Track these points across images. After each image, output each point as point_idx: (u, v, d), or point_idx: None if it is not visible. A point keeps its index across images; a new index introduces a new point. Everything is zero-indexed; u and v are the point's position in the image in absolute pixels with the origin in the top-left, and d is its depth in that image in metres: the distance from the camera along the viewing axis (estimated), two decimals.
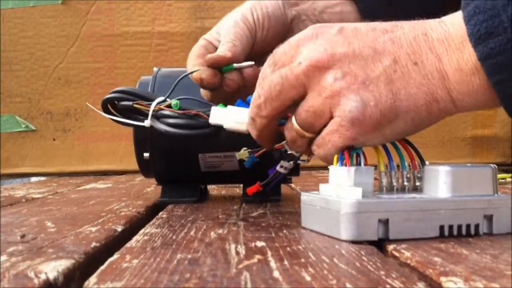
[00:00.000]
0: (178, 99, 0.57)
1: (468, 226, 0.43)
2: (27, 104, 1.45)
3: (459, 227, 0.42)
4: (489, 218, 0.43)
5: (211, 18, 1.45)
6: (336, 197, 0.43)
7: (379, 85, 0.43)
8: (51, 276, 0.31)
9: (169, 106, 0.56)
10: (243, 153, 0.55)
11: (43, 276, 0.31)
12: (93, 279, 0.31)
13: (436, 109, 0.43)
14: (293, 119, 0.46)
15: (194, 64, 0.57)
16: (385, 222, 0.41)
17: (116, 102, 0.58)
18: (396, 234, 0.41)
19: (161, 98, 0.57)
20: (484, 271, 0.31)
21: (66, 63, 1.44)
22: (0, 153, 1.44)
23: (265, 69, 0.48)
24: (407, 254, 0.36)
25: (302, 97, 0.45)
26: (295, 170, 0.71)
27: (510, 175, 1.04)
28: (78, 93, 1.44)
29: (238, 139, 0.56)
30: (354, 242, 0.41)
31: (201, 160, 0.67)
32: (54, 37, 1.44)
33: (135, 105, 0.57)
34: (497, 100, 0.42)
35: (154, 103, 0.57)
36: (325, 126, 0.45)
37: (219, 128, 0.55)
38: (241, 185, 0.75)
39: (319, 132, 0.46)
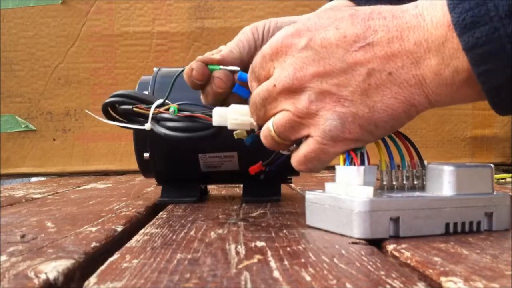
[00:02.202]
0: (178, 104, 0.57)
1: (470, 223, 0.44)
2: (27, 104, 1.45)
3: (463, 224, 0.44)
4: (489, 215, 0.45)
5: (211, 18, 1.45)
6: (347, 195, 0.44)
7: (355, 101, 0.43)
8: (51, 276, 0.31)
9: (168, 109, 0.56)
10: (240, 132, 0.53)
11: (43, 276, 0.31)
12: (93, 279, 0.31)
13: (415, 112, 0.43)
14: (271, 126, 0.47)
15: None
16: (396, 220, 0.42)
17: (116, 105, 0.59)
18: (406, 232, 0.42)
19: (160, 101, 0.57)
20: (484, 271, 0.31)
21: (66, 63, 1.44)
22: (0, 153, 1.44)
23: (251, 82, 0.49)
24: (407, 254, 0.36)
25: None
26: (295, 170, 0.71)
27: (510, 175, 1.04)
28: (78, 93, 1.45)
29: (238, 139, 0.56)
30: (366, 240, 0.41)
31: (201, 160, 0.67)
32: (54, 37, 1.44)
33: (134, 109, 0.58)
34: (478, 94, 0.41)
35: (153, 106, 0.57)
36: (300, 138, 0.46)
37: (220, 129, 0.54)
38: (241, 185, 0.75)
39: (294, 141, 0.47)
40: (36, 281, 0.30)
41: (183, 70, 0.57)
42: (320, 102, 0.43)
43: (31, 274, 0.31)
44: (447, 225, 0.43)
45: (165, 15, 1.45)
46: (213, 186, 0.90)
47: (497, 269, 0.32)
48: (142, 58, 1.45)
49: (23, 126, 1.44)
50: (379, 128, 0.43)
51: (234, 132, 0.53)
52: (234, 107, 0.52)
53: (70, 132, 1.45)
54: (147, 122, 0.57)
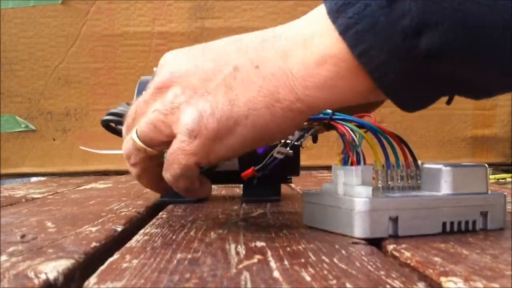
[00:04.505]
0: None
1: (466, 222, 0.45)
2: (27, 104, 1.45)
3: (459, 223, 0.44)
4: (484, 215, 0.46)
5: (211, 18, 1.45)
6: (346, 195, 0.44)
7: (217, 95, 0.41)
8: (51, 276, 0.31)
9: None
10: None
11: (43, 276, 0.31)
12: (93, 279, 0.31)
13: (280, 110, 0.40)
14: (133, 131, 0.45)
15: None
16: (395, 220, 0.42)
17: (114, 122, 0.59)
18: (405, 231, 0.42)
19: None
20: (484, 271, 0.31)
21: (66, 63, 1.44)
22: (0, 153, 1.44)
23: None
24: (407, 254, 0.36)
25: None
26: (295, 170, 0.71)
27: (510, 175, 1.04)
28: (78, 93, 1.45)
29: None
30: (366, 239, 0.41)
31: None
32: (54, 37, 1.44)
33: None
34: (368, 86, 0.38)
35: None
36: (165, 143, 0.44)
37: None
38: (241, 185, 0.75)
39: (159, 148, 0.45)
40: (36, 281, 0.30)
41: None
42: (184, 96, 0.42)
43: (31, 274, 0.31)
44: (444, 224, 0.44)
45: (165, 15, 1.45)
46: (213, 186, 0.90)
47: (497, 269, 0.32)
48: (142, 58, 1.44)
49: (23, 126, 1.44)
50: (239, 124, 0.41)
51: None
52: None
53: (70, 132, 1.45)
54: None
